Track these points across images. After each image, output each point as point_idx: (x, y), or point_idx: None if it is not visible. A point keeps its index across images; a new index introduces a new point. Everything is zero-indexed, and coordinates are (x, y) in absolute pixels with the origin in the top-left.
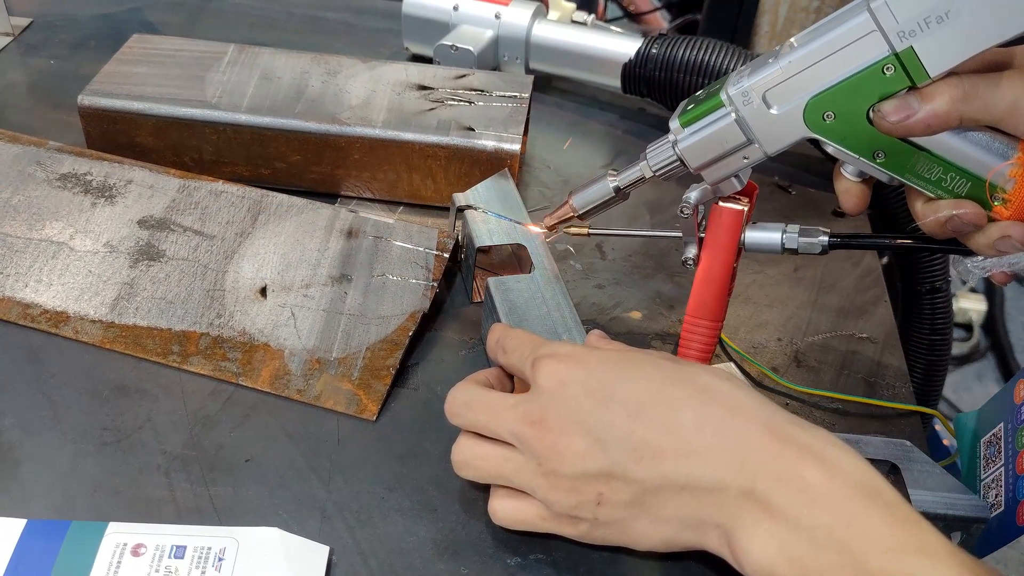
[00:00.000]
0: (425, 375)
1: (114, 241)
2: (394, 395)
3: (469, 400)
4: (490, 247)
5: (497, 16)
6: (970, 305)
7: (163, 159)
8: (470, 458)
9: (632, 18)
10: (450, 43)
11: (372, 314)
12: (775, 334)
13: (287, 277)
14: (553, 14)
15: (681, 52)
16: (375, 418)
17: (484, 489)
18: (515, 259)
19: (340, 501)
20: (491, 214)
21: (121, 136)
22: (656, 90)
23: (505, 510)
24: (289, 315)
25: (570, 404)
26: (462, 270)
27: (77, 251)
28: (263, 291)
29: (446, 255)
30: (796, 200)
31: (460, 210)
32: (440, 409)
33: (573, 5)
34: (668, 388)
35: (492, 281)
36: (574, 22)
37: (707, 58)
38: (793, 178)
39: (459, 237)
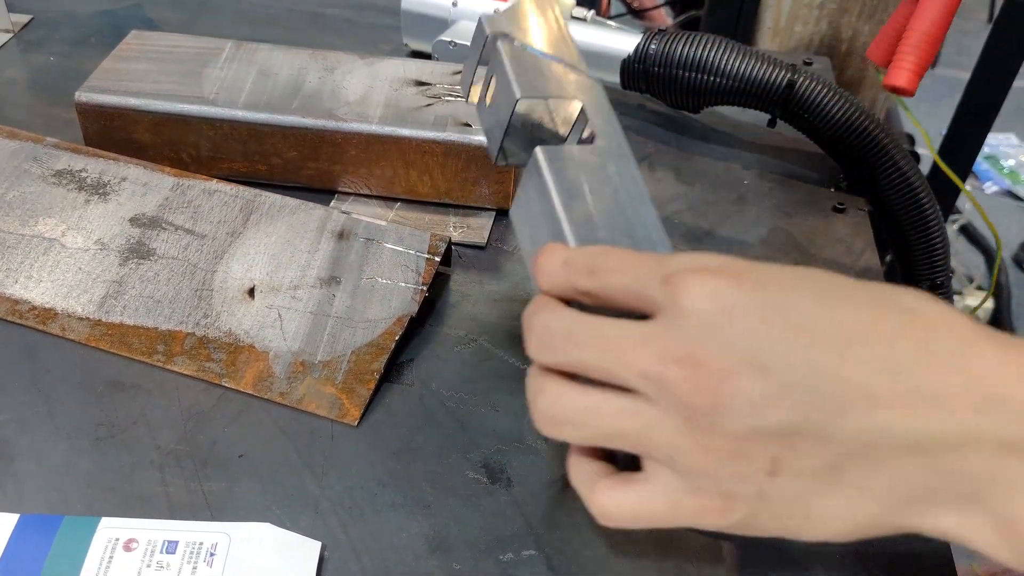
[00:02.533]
0: (420, 372)
1: (105, 239)
2: (389, 391)
3: (571, 329)
4: (532, 104)
5: (496, 12)
6: (975, 302)
7: (160, 155)
8: (571, 411)
9: (636, 14)
10: (448, 39)
11: (359, 317)
12: None
13: (276, 278)
14: None
15: (680, 48)
16: (357, 423)
17: (477, 487)
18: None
19: (333, 496)
20: (536, 52)
21: (118, 132)
22: (655, 86)
23: (622, 504)
24: (276, 317)
25: (739, 334)
26: (487, 136)
27: (68, 248)
28: (251, 292)
29: (437, 258)
30: (796, 196)
31: (487, 42)
32: (434, 405)
33: (573, 1)
34: (878, 314)
35: (543, 152)
36: (574, 18)
37: (706, 54)
38: (793, 174)
39: (482, 87)
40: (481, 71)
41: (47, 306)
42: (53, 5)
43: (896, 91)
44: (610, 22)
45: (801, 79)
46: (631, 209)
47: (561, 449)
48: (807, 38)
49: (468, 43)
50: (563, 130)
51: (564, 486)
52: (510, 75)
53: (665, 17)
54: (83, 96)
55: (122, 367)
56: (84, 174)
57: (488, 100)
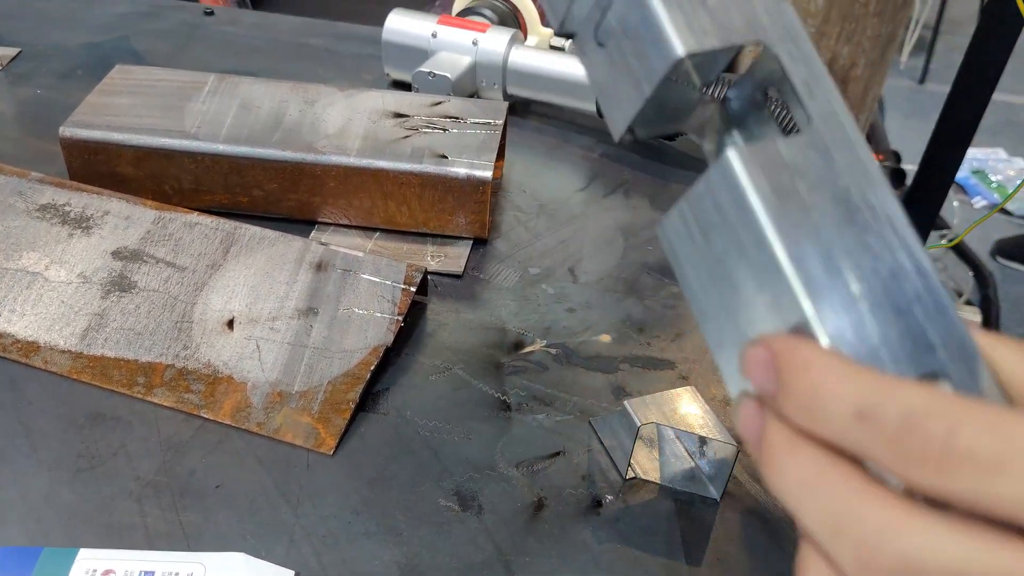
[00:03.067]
0: (395, 400)
1: (88, 272)
2: (364, 420)
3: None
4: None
5: (475, 43)
6: (965, 317)
7: (143, 188)
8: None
9: None
10: (428, 70)
11: (336, 348)
12: None
13: (255, 310)
14: (531, 39)
15: None
16: (332, 452)
17: (449, 515)
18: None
19: (308, 525)
20: None
21: (102, 166)
22: None
23: None
24: (254, 348)
25: None
26: (600, 94)
27: (51, 281)
28: (230, 323)
29: (413, 289)
30: None
31: None
32: (409, 434)
33: (551, 30)
34: None
35: (740, 156)
36: (552, 47)
37: None
38: None
39: (593, 10)
40: None
41: (30, 339)
42: (41, 38)
43: None
44: None
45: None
46: (888, 251)
47: (530, 475)
48: None
49: (447, 74)
50: (743, 96)
51: (534, 513)
52: (657, 9)
53: None
54: (67, 131)
55: (103, 399)
56: (68, 208)
57: (605, 38)
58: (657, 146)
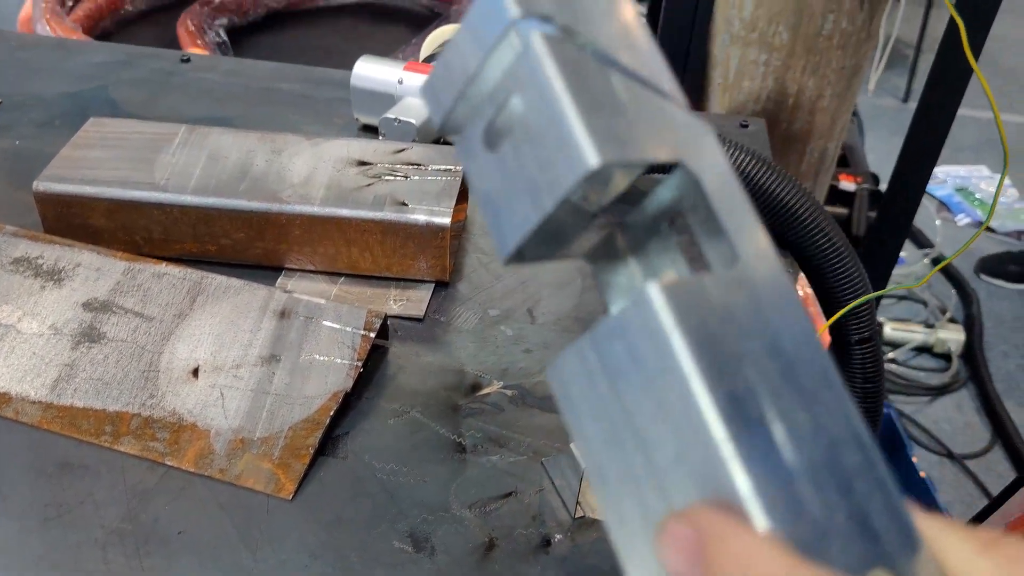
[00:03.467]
0: (354, 444)
1: (59, 323)
2: (324, 464)
3: None
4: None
5: None
6: (949, 335)
7: (115, 239)
8: None
9: None
10: (393, 116)
11: (297, 394)
12: None
13: (219, 358)
14: None
15: None
16: (292, 497)
17: (403, 556)
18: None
19: (267, 570)
20: (605, 60)
21: (76, 218)
22: None
23: None
24: (218, 395)
25: None
26: (490, 210)
27: (24, 333)
28: (195, 372)
29: (372, 335)
30: None
31: (506, 30)
32: (366, 477)
33: None
34: None
35: (663, 294)
36: None
37: None
38: None
39: (492, 115)
40: (489, 80)
41: (2, 391)
42: (22, 88)
43: None
44: None
45: (724, 147)
46: (828, 415)
47: (482, 516)
48: (755, 93)
49: (412, 120)
50: (645, 223)
51: (485, 553)
52: (567, 111)
53: None
54: (40, 186)
55: (71, 448)
56: (40, 261)
57: (498, 141)
58: None
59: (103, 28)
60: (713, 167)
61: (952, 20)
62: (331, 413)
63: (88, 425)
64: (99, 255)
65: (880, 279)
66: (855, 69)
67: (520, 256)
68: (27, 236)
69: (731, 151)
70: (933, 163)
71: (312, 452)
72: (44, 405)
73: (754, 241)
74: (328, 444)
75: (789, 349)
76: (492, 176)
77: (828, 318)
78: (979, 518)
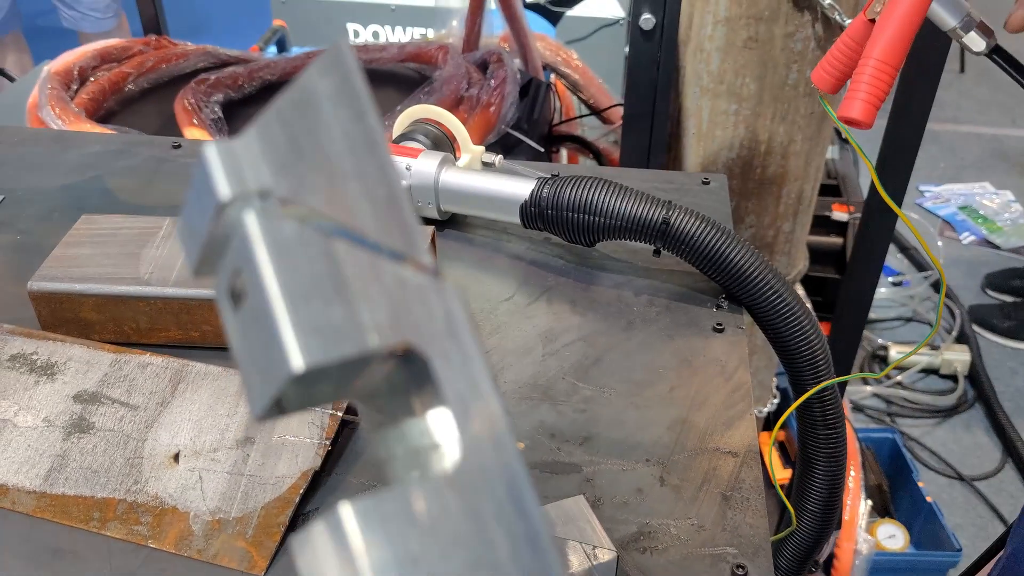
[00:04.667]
0: None
1: (52, 416)
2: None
3: None
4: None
5: (408, 168)
6: (954, 356)
7: (106, 329)
8: None
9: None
10: None
11: (269, 474)
12: (644, 455)
13: (198, 442)
14: (464, 158)
15: (569, 192)
16: (264, 573)
17: None
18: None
19: None
20: (321, 229)
21: (68, 312)
22: (551, 226)
23: None
24: (197, 479)
25: None
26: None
27: (20, 427)
28: (176, 457)
29: (340, 413)
30: (680, 319)
31: (216, 212)
32: None
33: (481, 148)
34: None
35: (349, 513)
36: (484, 164)
37: (591, 196)
38: (678, 296)
39: (224, 293)
40: (222, 246)
41: (0, 483)
42: (23, 182)
43: (851, 123)
44: (518, 165)
45: (675, 215)
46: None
47: None
48: (728, 141)
49: None
50: (374, 406)
51: None
52: (274, 306)
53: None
54: (34, 286)
55: (62, 534)
56: (35, 357)
57: (238, 303)
58: (580, 250)
59: (106, 108)
60: (451, 337)
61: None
62: (301, 491)
63: (78, 512)
64: (88, 349)
65: (863, 304)
66: (824, 114)
67: (276, 411)
68: (23, 334)
69: (684, 218)
70: (908, 173)
71: (283, 529)
72: (38, 495)
73: (492, 425)
74: (298, 520)
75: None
76: (235, 334)
77: (786, 367)
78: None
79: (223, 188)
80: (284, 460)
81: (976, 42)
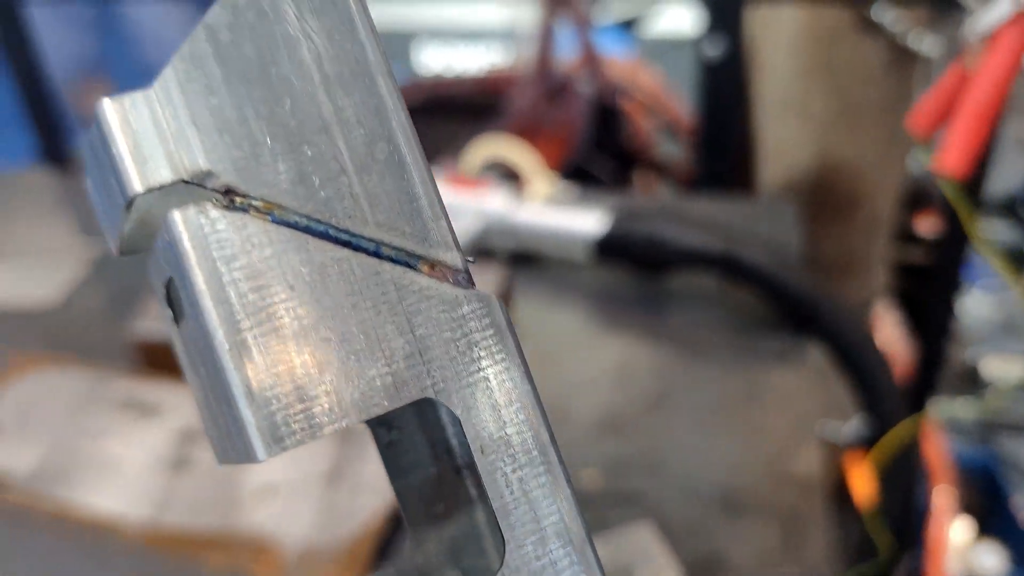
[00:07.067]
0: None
1: (160, 452)
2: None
3: None
4: None
5: (476, 206)
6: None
7: None
8: None
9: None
10: None
11: (358, 506)
12: (709, 484)
13: (292, 474)
14: (535, 188)
15: (635, 227)
16: None
17: None
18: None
19: None
20: (282, 221)
21: (170, 358)
22: (620, 259)
23: None
24: (291, 510)
25: None
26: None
27: (131, 463)
28: (273, 488)
29: None
30: (745, 345)
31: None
32: None
33: (553, 178)
34: None
35: None
36: (554, 195)
37: (657, 231)
38: (744, 327)
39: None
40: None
41: (116, 516)
42: None
43: (945, 174)
44: (588, 194)
45: (738, 248)
46: None
47: None
48: (798, 163)
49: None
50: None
51: None
52: (218, 353)
53: None
54: (137, 328)
55: (169, 565)
56: (143, 397)
57: (185, 332)
58: (648, 283)
59: None
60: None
61: None
62: (387, 522)
63: (184, 543)
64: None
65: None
66: (897, 131)
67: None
68: (131, 375)
69: (746, 251)
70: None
71: (372, 558)
72: (148, 528)
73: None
74: (389, 549)
75: None
76: (182, 356)
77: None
78: None
79: (133, 179)
80: (371, 493)
81: None
